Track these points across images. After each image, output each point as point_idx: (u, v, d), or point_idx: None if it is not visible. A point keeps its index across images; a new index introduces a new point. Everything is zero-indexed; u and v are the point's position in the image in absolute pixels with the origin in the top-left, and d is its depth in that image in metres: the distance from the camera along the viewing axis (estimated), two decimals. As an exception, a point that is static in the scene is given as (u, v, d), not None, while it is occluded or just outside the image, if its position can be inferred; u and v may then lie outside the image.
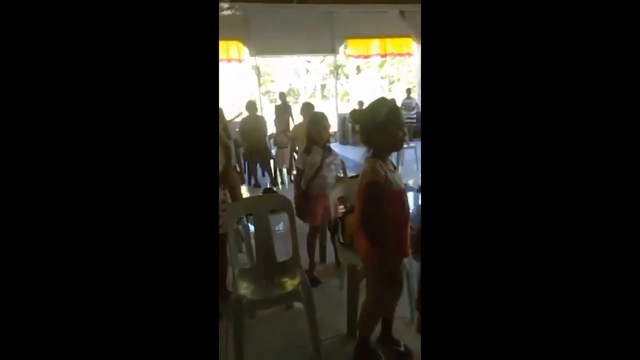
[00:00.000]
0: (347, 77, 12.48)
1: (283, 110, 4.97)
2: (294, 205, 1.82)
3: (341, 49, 7.01)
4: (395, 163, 1.25)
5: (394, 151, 1.16)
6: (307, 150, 1.93)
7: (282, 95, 5.32)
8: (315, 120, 1.96)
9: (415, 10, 6.81)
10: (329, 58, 7.64)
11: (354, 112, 1.51)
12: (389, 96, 1.20)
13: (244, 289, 1.40)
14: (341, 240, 1.62)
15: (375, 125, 1.11)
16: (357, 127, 1.20)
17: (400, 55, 7.40)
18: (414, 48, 7.28)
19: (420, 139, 5.03)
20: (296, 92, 12.76)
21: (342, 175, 2.41)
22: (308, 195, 1.92)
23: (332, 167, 1.97)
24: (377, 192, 1.10)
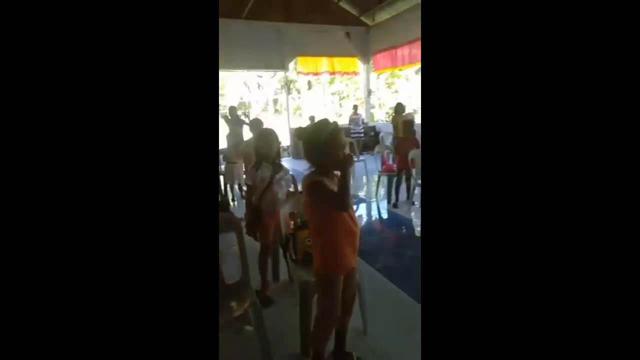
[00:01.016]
0: (299, 92, 12.70)
1: (234, 125, 4.86)
2: (244, 223, 1.77)
3: (291, 65, 7.15)
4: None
5: (335, 170, 1.20)
6: (256, 166, 1.91)
7: (232, 109, 5.21)
8: (263, 137, 1.96)
9: (360, 32, 7.27)
10: (280, 73, 7.72)
11: (298, 129, 1.54)
12: (339, 111, 1.26)
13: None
14: (293, 257, 1.61)
15: (317, 146, 1.15)
16: (300, 144, 1.24)
17: (347, 73, 7.78)
18: (360, 67, 7.71)
19: (369, 152, 5.21)
20: (247, 106, 12.61)
21: (292, 190, 2.41)
22: (259, 211, 1.89)
23: (283, 182, 1.97)
24: (323, 190, 1.12)
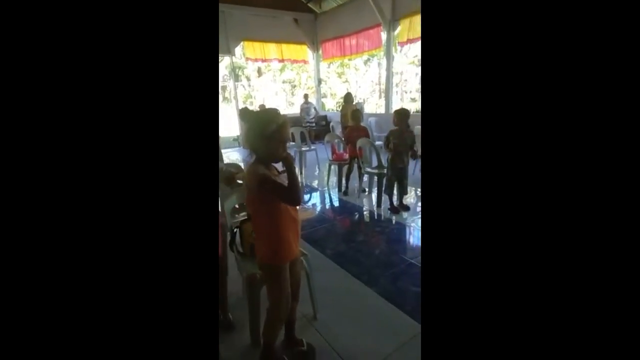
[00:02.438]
0: (248, 80, 12.23)
1: None
2: None
3: (238, 50, 6.82)
4: (298, 164, 1.29)
5: (274, 162, 1.21)
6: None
7: None
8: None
9: (308, 19, 7.17)
10: (227, 59, 7.32)
11: (244, 109, 1.46)
12: (291, 100, 1.24)
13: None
14: (240, 250, 1.57)
15: (261, 137, 1.13)
16: (244, 127, 1.21)
17: (297, 61, 7.67)
18: (309, 55, 7.64)
19: (320, 141, 5.24)
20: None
21: (240, 182, 2.34)
22: None
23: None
24: (273, 185, 1.12)
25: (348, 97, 5.16)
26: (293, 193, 1.13)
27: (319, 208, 3.47)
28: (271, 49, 7.02)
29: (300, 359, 1.39)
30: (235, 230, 1.58)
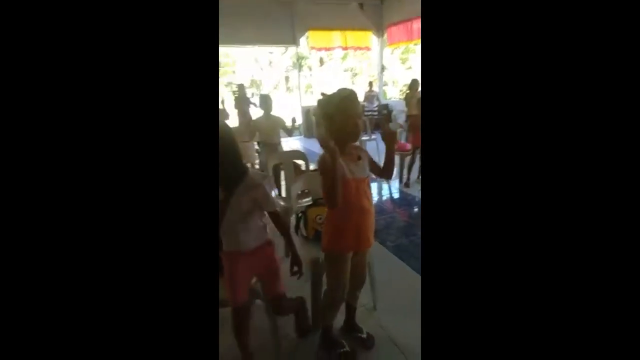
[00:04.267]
0: (310, 70, 12.41)
1: (241, 103, 4.84)
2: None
3: (303, 40, 6.94)
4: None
5: (348, 141, 1.14)
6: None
7: (241, 88, 5.17)
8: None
9: (374, 3, 6.92)
10: (292, 50, 7.50)
11: (322, 96, 1.42)
12: (352, 89, 1.19)
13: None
14: (304, 234, 1.63)
15: (327, 115, 1.11)
16: (319, 114, 1.19)
17: (360, 49, 7.50)
18: (373, 42, 7.41)
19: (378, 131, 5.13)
20: (258, 84, 12.44)
21: (304, 169, 2.41)
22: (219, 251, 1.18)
23: (247, 201, 1.12)
24: (328, 176, 1.09)
25: (414, 84, 4.90)
26: (385, 171, 1.16)
27: (376, 199, 3.41)
28: (335, 37, 6.97)
29: (359, 345, 1.40)
30: (300, 215, 1.64)
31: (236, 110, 4.88)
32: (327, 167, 1.04)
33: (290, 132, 3.74)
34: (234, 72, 11.96)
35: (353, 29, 7.03)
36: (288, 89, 12.64)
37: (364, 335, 1.42)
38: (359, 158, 1.17)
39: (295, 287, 1.82)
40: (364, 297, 1.50)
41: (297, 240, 1.68)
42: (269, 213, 1.18)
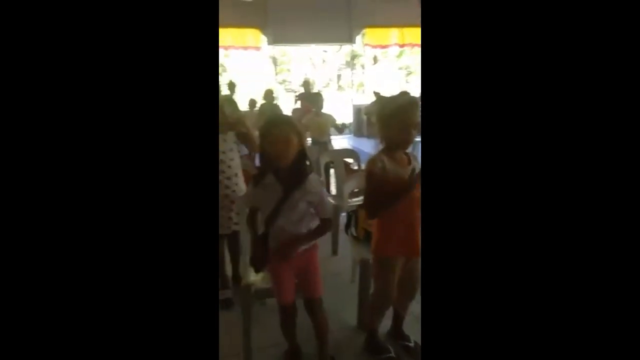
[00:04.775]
0: (363, 68, 12.27)
1: (305, 100, 4.97)
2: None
3: (358, 38, 6.87)
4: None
5: (401, 149, 1.12)
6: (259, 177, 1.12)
7: (306, 84, 5.29)
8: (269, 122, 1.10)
9: (437, -2, 6.58)
10: (346, 47, 7.48)
11: (376, 96, 1.41)
12: (405, 88, 1.16)
13: (254, 276, 1.41)
14: (354, 234, 1.62)
15: (382, 118, 1.09)
16: (372, 118, 1.18)
17: (418, 45, 7.19)
18: (434, 38, 7.05)
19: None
20: (311, 84, 12.66)
21: (356, 168, 2.39)
22: (266, 250, 1.13)
23: (303, 204, 1.10)
24: (375, 182, 1.07)
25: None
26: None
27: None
28: (392, 34, 6.78)
29: (405, 353, 1.36)
30: (350, 214, 1.63)
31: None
32: (375, 173, 1.02)
33: (341, 130, 3.74)
34: (289, 70, 12.32)
35: (411, 25, 6.77)
36: (340, 87, 12.66)
37: (411, 344, 1.37)
38: (409, 163, 1.14)
39: (342, 287, 1.82)
40: (413, 306, 1.43)
41: (347, 240, 1.67)
42: (322, 219, 1.16)
